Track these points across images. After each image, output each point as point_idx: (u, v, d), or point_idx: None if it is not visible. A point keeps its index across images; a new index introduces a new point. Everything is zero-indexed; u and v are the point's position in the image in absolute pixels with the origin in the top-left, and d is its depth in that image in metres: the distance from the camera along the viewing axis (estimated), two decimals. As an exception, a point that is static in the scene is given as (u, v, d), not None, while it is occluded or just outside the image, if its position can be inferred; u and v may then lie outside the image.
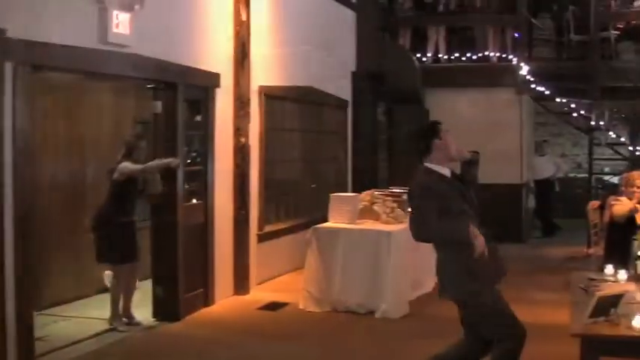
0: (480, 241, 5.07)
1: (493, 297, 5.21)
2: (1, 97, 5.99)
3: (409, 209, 5.57)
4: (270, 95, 10.38)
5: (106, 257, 8.03)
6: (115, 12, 7.17)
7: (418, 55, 14.40)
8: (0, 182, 6.00)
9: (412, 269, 9.04)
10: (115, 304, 7.96)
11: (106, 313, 8.01)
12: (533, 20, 14.50)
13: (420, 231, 5.24)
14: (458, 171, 5.69)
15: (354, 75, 13.64)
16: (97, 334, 7.67)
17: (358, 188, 11.44)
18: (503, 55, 14.36)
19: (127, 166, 7.79)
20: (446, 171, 5.34)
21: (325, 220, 9.26)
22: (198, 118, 8.89)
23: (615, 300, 4.59)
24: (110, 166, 7.97)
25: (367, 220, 9.23)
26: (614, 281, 5.74)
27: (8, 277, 6.06)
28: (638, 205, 7.54)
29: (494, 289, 5.26)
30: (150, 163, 7.90)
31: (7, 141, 6.05)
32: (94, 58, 7.03)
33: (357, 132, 13.66)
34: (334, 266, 8.72)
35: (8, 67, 6.05)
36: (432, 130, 5.41)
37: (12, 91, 6.08)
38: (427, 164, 5.33)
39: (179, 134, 8.36)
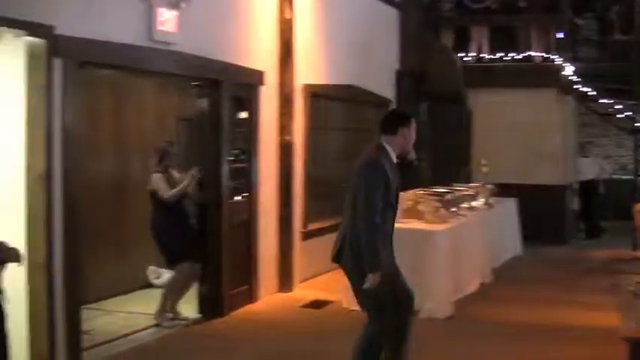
0: (375, 279, 5.23)
1: (390, 286, 5.44)
2: (51, 93, 6.03)
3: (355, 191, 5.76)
4: (314, 93, 10.37)
5: (170, 261, 8.14)
6: (161, 9, 7.21)
7: (461, 55, 14.31)
8: (50, 177, 6.05)
9: (456, 270, 8.97)
10: (166, 300, 8.01)
11: (150, 308, 8.08)
12: (576, 20, 14.35)
13: (364, 219, 5.36)
14: None
15: (398, 74, 13.61)
16: (142, 329, 7.72)
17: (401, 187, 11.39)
18: (547, 55, 14.25)
19: (159, 187, 7.86)
20: (394, 156, 5.55)
21: (368, 219, 9.21)
22: (243, 115, 8.90)
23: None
24: (147, 174, 8.07)
25: (412, 219, 9.19)
26: (664, 283, 5.67)
27: (57, 271, 6.11)
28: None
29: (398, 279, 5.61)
30: (176, 190, 7.88)
31: (56, 136, 6.10)
32: (139, 55, 7.06)
33: (399, 131, 13.59)
34: (378, 265, 8.67)
35: (57, 63, 6.09)
36: (405, 118, 5.66)
37: (61, 87, 6.13)
38: (384, 143, 5.53)
39: (223, 132, 8.37)
